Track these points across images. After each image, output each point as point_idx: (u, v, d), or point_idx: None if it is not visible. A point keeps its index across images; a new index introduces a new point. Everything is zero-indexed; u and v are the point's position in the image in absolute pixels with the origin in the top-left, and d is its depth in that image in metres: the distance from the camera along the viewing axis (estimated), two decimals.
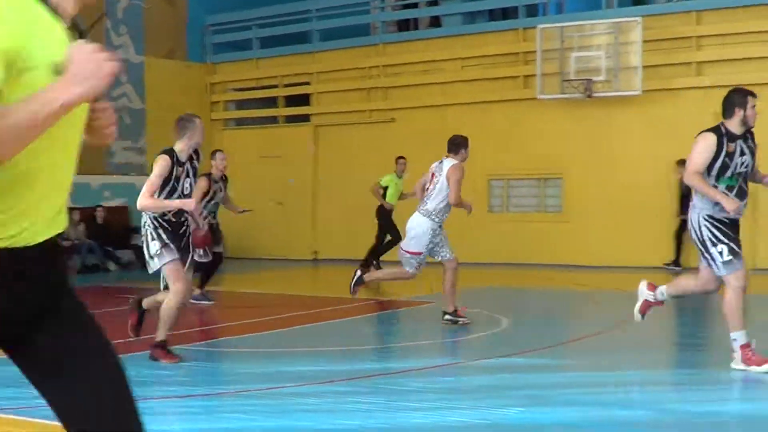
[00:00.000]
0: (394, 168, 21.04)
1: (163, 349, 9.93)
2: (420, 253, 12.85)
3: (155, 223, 10.06)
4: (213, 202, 15.42)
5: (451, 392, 8.70)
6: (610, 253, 22.87)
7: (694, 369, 9.98)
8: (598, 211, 23.01)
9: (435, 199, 12.93)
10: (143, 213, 10.18)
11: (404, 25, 27.77)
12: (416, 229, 12.95)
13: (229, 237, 27.62)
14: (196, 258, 14.99)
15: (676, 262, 22.06)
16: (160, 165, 9.98)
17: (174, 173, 10.03)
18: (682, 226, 21.93)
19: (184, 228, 10.31)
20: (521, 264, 22.10)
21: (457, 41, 25.48)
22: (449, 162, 13.08)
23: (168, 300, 9.92)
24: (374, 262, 21.03)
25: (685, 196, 21.78)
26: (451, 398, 8.36)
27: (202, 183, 14.92)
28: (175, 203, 9.93)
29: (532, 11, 25.21)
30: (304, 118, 27.98)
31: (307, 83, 27.91)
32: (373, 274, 13.97)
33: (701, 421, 7.44)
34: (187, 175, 10.20)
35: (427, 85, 25.74)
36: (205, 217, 14.88)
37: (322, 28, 28.01)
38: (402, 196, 20.89)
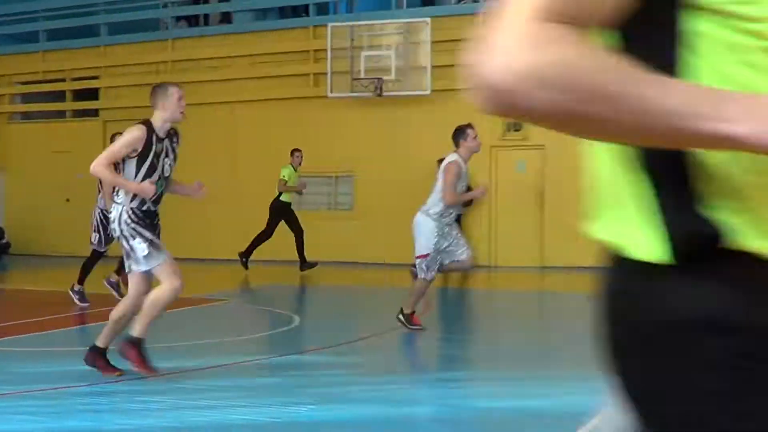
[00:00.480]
0: (289, 160, 21.06)
1: (136, 349, 8.95)
2: (427, 255, 11.79)
3: (133, 216, 8.84)
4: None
5: (241, 390, 8.68)
6: (399, 251, 23.18)
7: (474, 364, 10.24)
8: (388, 209, 23.31)
9: (433, 199, 11.99)
10: (116, 205, 8.96)
11: (194, 21, 27.57)
12: (419, 230, 11.93)
13: (15, 232, 26.98)
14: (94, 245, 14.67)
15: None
16: (131, 134, 8.84)
17: (153, 149, 8.88)
18: None
19: (157, 219, 9.15)
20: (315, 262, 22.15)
21: (247, 38, 25.44)
22: (448, 159, 12.14)
23: (161, 292, 8.86)
24: (246, 257, 20.86)
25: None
26: (241, 397, 8.36)
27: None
28: (131, 186, 8.72)
29: (323, 9, 25.42)
30: (93, 113, 27.48)
31: (96, 77, 27.42)
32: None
33: (485, 417, 7.65)
34: (167, 155, 9.05)
35: (217, 81, 25.61)
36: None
37: (110, 21, 27.55)
38: (298, 189, 21.05)
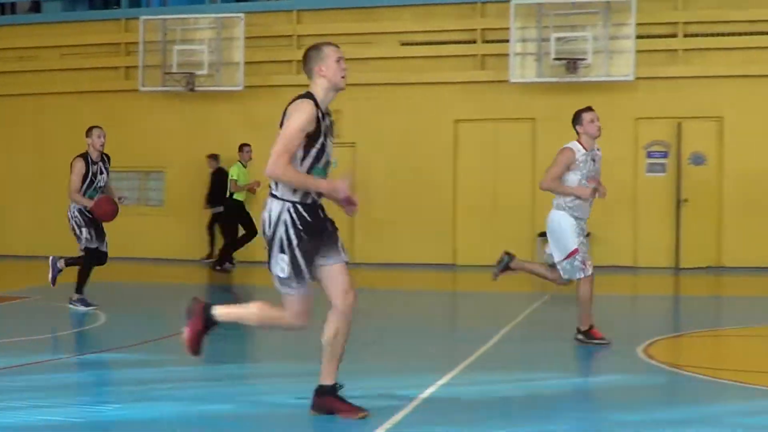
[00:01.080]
0: (237, 157, 20.42)
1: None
2: (575, 251, 10.64)
3: (294, 215, 6.85)
4: (93, 187, 13.60)
5: (44, 390, 8.47)
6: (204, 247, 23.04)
7: (278, 360, 10.20)
8: (199, 205, 23.09)
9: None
10: (272, 196, 6.95)
11: (1, 9, 26.78)
12: (555, 227, 10.81)
13: None
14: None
15: (210, 255, 22.54)
16: (305, 112, 6.84)
17: (322, 128, 6.95)
18: (213, 218, 22.45)
19: (324, 213, 7.07)
20: (124, 258, 21.75)
21: (56, 28, 24.90)
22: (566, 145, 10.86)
23: (281, 317, 7.12)
24: (221, 264, 20.25)
25: (213, 190, 22.26)
26: (44, 397, 8.15)
27: (78, 165, 13.37)
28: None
29: (135, 2, 25.12)
30: None
31: None
32: (524, 265, 11.36)
33: (288, 413, 7.62)
34: (330, 134, 7.09)
35: (24, 72, 24.95)
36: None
37: None
38: (250, 187, 20.26)
